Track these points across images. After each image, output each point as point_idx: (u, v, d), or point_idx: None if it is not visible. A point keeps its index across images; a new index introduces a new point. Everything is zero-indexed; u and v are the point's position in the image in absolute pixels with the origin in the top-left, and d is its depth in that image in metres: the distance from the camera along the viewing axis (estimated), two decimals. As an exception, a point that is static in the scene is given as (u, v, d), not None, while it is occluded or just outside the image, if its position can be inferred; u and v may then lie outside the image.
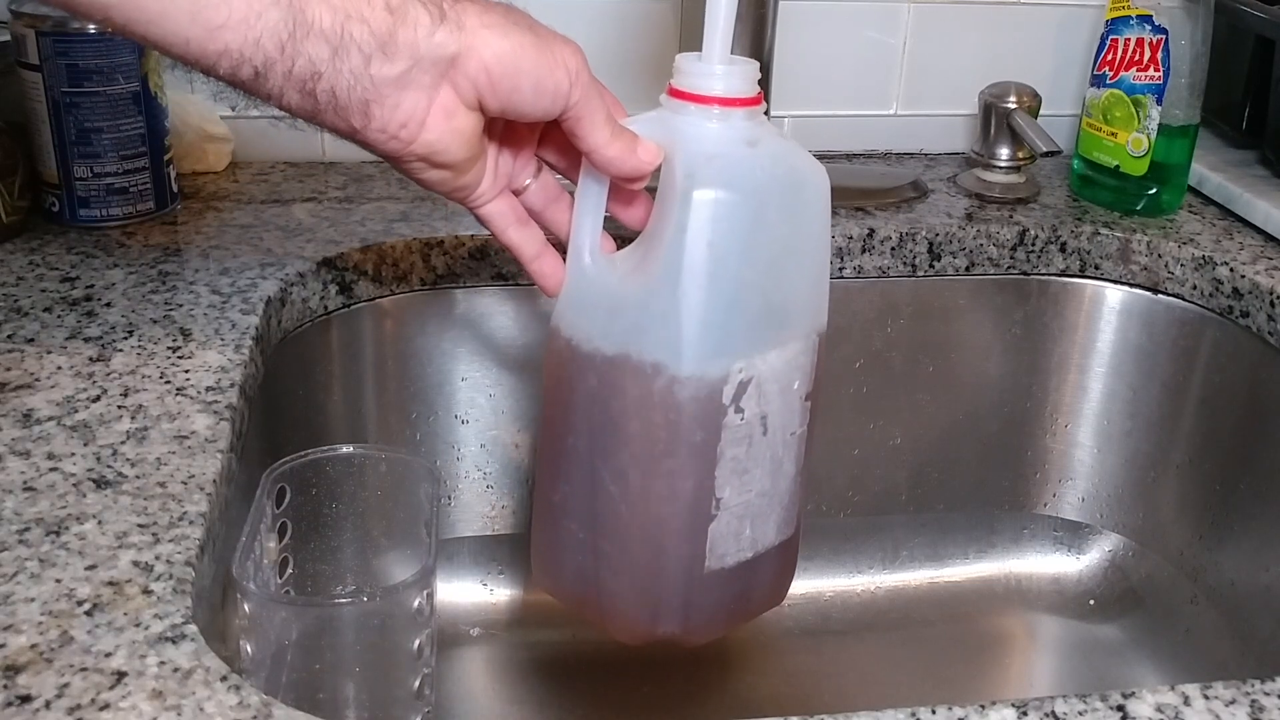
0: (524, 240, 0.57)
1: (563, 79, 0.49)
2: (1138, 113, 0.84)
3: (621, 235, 0.56)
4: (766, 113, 0.53)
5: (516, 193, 0.57)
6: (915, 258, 0.83)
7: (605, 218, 0.56)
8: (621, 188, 0.54)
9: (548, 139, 0.56)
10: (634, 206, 0.55)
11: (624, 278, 0.52)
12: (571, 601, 0.58)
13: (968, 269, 0.84)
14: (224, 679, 0.41)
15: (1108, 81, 0.86)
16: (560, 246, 0.57)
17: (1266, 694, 0.43)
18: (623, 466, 0.53)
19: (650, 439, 0.52)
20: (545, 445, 0.58)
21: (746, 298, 0.51)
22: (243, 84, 0.47)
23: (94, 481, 0.50)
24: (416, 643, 0.55)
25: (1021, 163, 0.89)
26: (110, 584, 0.45)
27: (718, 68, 0.51)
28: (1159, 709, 0.42)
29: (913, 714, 0.41)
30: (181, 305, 0.66)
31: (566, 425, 0.55)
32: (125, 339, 0.62)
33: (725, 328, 0.51)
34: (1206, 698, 0.43)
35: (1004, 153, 0.89)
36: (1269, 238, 0.83)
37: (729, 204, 0.50)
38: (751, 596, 0.58)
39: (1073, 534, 0.91)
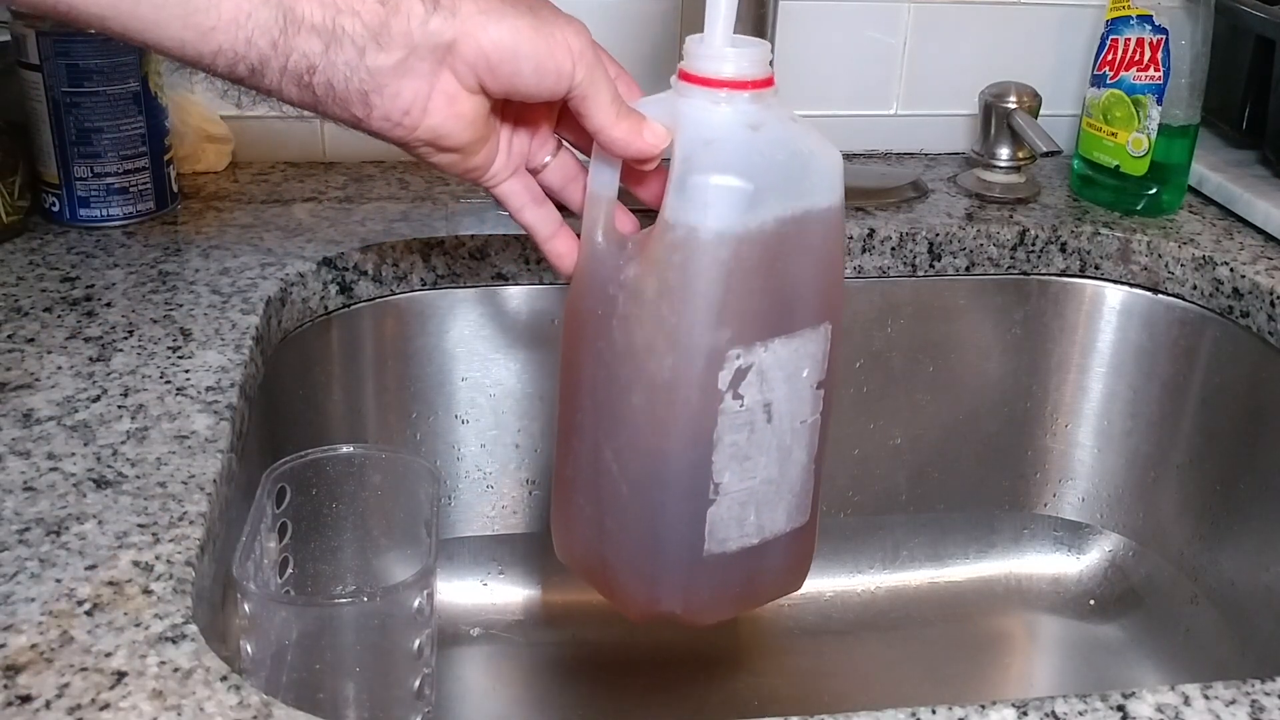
0: (539, 220, 0.57)
1: (564, 59, 0.49)
2: (1138, 113, 0.84)
3: (647, 213, 0.56)
4: None
5: (535, 171, 0.57)
6: (915, 258, 0.83)
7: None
8: (633, 166, 0.54)
9: (567, 117, 0.56)
10: (649, 184, 0.55)
11: (631, 258, 0.53)
12: (583, 573, 0.59)
13: (968, 269, 0.84)
14: (224, 679, 0.41)
15: (1108, 81, 0.86)
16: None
17: (1266, 694, 0.43)
18: (623, 446, 0.54)
19: (647, 420, 0.53)
20: (560, 421, 0.58)
21: (744, 283, 0.51)
22: (241, 80, 0.48)
23: (94, 481, 0.50)
24: (416, 643, 0.55)
25: (1021, 163, 0.89)
26: (110, 584, 0.45)
27: (726, 50, 0.51)
28: (1159, 709, 0.42)
29: (913, 714, 0.41)
30: (181, 305, 0.66)
31: (575, 403, 0.56)
32: (125, 339, 0.62)
33: (721, 313, 0.51)
34: (1206, 698, 0.43)
35: (1004, 153, 0.89)
36: (1269, 238, 0.83)
37: (722, 190, 0.50)
38: (760, 581, 0.58)
39: (1073, 534, 0.91)
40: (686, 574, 0.55)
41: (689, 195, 0.50)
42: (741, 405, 0.52)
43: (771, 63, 0.52)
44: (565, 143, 0.58)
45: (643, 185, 0.56)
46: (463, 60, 0.49)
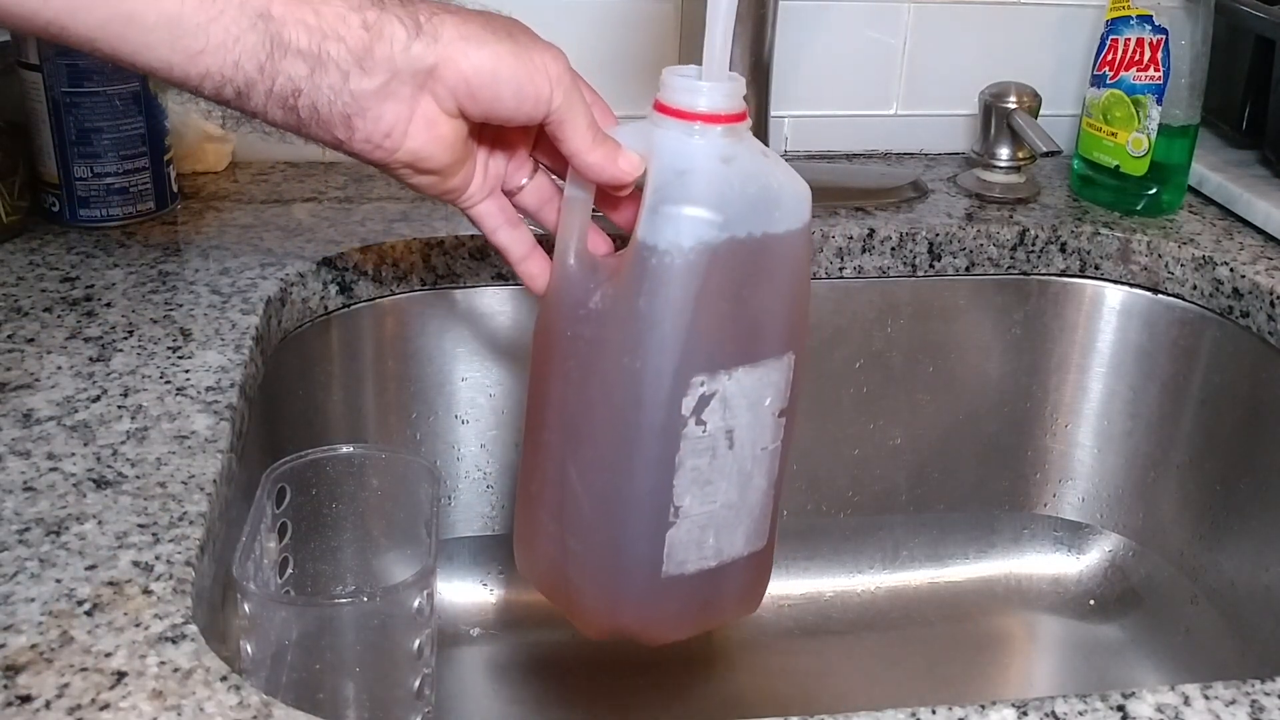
0: (513, 241, 0.58)
1: (543, 84, 0.50)
2: (1138, 113, 0.84)
3: (621, 236, 0.56)
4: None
5: (511, 193, 0.58)
6: (915, 258, 0.83)
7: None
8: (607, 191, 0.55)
9: (543, 141, 0.57)
10: (623, 209, 0.56)
11: (602, 282, 0.53)
12: (544, 589, 0.60)
13: (968, 269, 0.84)
14: (224, 679, 0.41)
15: (1108, 81, 0.86)
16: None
17: (1266, 694, 0.43)
18: (587, 465, 0.54)
19: (611, 441, 0.53)
20: (526, 439, 0.58)
21: (711, 312, 0.52)
22: (226, 102, 0.49)
23: (94, 481, 0.51)
24: (416, 643, 0.55)
25: (1021, 163, 0.89)
26: (110, 584, 0.45)
27: (700, 84, 0.51)
28: (1159, 709, 0.42)
29: (913, 714, 0.41)
30: (181, 305, 0.66)
31: (542, 421, 0.56)
32: (125, 339, 0.62)
33: (687, 340, 0.51)
34: (1206, 698, 0.43)
35: (1004, 153, 0.89)
36: (1269, 238, 0.83)
37: (693, 221, 0.50)
38: (717, 603, 0.59)
39: (1073, 534, 0.91)
40: (645, 594, 0.56)
41: (661, 224, 0.50)
42: (704, 431, 0.53)
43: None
44: (542, 166, 0.58)
45: (615, 210, 0.57)
46: (443, 84, 0.49)
